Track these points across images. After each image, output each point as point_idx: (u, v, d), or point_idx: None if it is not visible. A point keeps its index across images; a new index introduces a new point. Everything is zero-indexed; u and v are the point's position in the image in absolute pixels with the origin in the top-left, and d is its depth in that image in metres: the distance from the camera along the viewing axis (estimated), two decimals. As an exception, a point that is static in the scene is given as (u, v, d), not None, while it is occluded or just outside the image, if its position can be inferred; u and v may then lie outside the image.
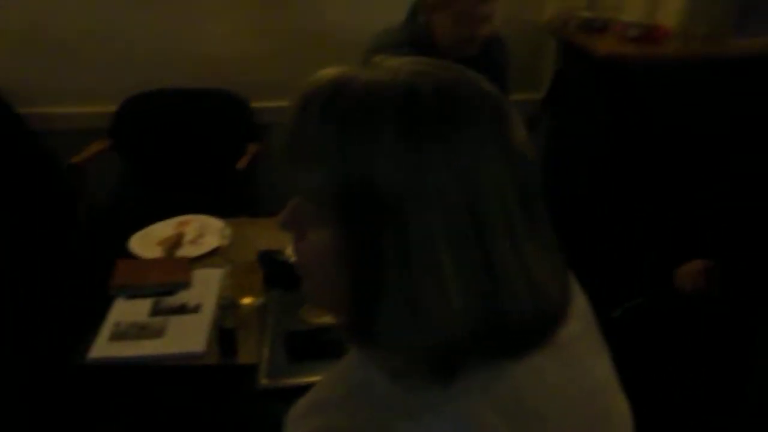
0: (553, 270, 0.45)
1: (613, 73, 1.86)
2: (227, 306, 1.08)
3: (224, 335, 1.08)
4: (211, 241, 1.42)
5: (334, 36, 2.19)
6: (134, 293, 1.25)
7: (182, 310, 1.21)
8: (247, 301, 1.21)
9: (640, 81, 1.85)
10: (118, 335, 1.14)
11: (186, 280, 1.28)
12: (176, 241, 1.44)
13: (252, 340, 1.11)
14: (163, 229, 1.49)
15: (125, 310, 1.21)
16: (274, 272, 1.22)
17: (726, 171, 1.61)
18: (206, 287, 1.27)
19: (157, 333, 1.14)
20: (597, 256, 1.81)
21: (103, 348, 1.11)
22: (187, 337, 1.13)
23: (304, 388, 0.53)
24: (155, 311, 1.21)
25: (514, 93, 1.66)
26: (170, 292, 1.25)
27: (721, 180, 1.62)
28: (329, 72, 0.45)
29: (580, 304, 0.52)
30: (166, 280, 1.28)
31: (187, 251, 1.40)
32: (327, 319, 1.09)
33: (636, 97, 1.87)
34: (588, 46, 1.89)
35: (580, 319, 0.51)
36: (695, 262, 1.45)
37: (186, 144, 2.22)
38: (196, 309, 1.21)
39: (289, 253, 1.20)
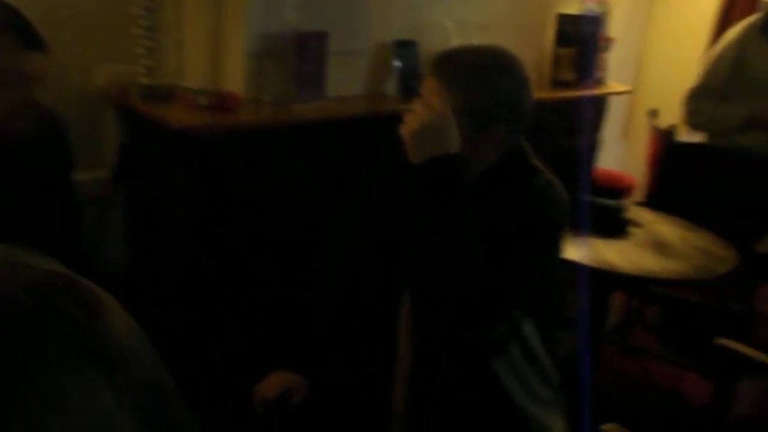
0: None
1: (191, 144, 1.71)
2: None
3: None
4: None
5: None
6: None
7: None
8: None
9: (220, 150, 1.75)
10: None
11: None
12: None
13: None
14: None
15: None
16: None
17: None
18: None
19: None
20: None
21: None
22: None
23: None
24: None
25: (77, 173, 1.39)
26: None
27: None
28: None
29: None
30: None
31: None
32: None
33: (219, 167, 1.76)
34: (157, 116, 1.70)
35: None
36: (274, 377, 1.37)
37: None
38: None
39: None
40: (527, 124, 1.27)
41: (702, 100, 2.61)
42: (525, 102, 1.23)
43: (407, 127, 1.13)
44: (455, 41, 2.35)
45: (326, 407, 1.39)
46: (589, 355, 2.25)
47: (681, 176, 2.67)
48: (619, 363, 2.61)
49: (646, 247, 2.03)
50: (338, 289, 1.42)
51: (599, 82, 3.02)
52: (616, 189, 3.48)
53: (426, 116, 1.12)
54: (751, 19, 2.58)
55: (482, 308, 1.11)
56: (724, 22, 3.43)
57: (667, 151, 2.82)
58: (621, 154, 4.21)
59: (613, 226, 2.11)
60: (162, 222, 1.88)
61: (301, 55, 1.91)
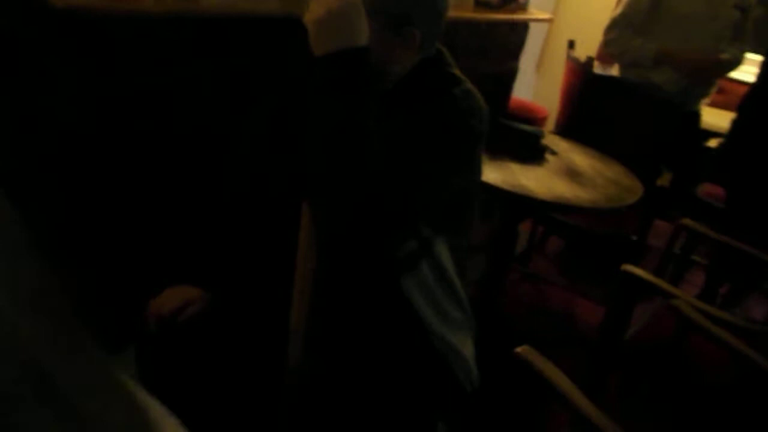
0: None
1: (76, 28, 1.49)
2: None
3: None
4: None
5: None
6: None
7: None
8: None
9: (112, 36, 1.54)
10: None
11: None
12: None
13: None
14: None
15: None
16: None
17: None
18: None
19: None
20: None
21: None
22: None
23: None
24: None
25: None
26: None
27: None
28: None
29: None
30: None
31: None
32: None
33: (107, 55, 1.56)
34: (40, -7, 1.46)
35: None
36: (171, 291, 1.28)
37: None
38: None
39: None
40: (442, 29, 1.18)
41: (619, 30, 2.61)
42: (441, 5, 1.16)
43: (311, 14, 1.01)
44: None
45: (223, 323, 1.31)
46: (497, 279, 2.28)
47: (595, 109, 2.70)
48: (520, 288, 2.68)
49: (561, 174, 2.03)
50: (239, 197, 1.31)
51: (522, 6, 2.96)
52: (530, 119, 3.50)
53: (334, 3, 1.00)
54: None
55: (383, 216, 1.04)
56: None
57: (584, 83, 2.83)
58: (534, 84, 4.23)
59: (531, 152, 2.10)
60: (36, 116, 1.66)
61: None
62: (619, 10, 2.63)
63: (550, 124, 3.22)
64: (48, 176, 1.65)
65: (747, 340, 1.45)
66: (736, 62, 2.59)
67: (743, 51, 2.59)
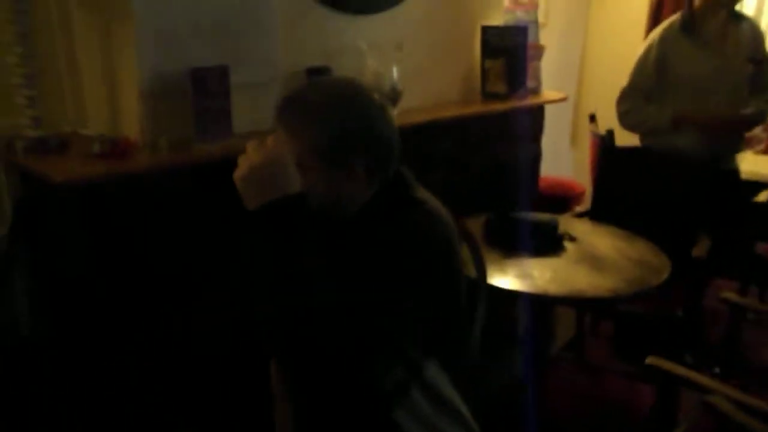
0: None
1: (80, 197, 1.60)
2: None
3: None
4: None
5: None
6: None
7: None
8: None
9: (113, 200, 1.64)
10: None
11: None
12: None
13: None
14: None
15: None
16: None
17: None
18: None
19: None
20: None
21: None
22: None
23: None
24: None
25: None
26: None
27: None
28: None
29: None
30: None
31: None
32: None
33: (112, 218, 1.65)
34: (38, 170, 1.59)
35: None
36: None
37: None
38: None
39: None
40: (391, 153, 1.18)
41: (631, 101, 2.56)
42: (380, 131, 1.15)
43: (237, 172, 1.04)
44: (371, 63, 2.27)
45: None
46: (534, 376, 2.17)
47: (618, 181, 2.62)
48: (573, 380, 2.53)
49: (581, 262, 1.95)
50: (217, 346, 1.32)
51: (533, 91, 2.97)
52: (564, 198, 3.43)
53: (256, 158, 1.03)
54: (672, 19, 2.54)
55: (352, 355, 1.02)
56: (655, 22, 3.41)
57: (603, 156, 2.77)
58: (570, 160, 4.17)
59: (548, 243, 2.04)
60: (55, 279, 1.77)
61: (200, 91, 1.80)
62: (627, 80, 2.59)
63: (588, 199, 3.12)
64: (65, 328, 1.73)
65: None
66: (762, 114, 2.47)
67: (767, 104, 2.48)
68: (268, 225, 1.04)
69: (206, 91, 1.82)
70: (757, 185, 2.69)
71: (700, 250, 2.29)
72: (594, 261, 1.96)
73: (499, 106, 2.73)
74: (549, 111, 3.04)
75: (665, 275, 1.86)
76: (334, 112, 1.11)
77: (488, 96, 2.78)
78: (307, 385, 1.15)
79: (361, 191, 1.17)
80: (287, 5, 2.07)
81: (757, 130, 2.93)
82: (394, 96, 2.26)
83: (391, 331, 1.12)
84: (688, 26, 2.45)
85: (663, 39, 2.48)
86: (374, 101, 1.15)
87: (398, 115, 2.27)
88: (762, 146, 3.09)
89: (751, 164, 2.76)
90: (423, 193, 1.26)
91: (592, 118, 3.20)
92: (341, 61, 2.22)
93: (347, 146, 1.12)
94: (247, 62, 1.97)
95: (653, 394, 1.67)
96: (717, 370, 1.97)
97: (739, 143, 2.59)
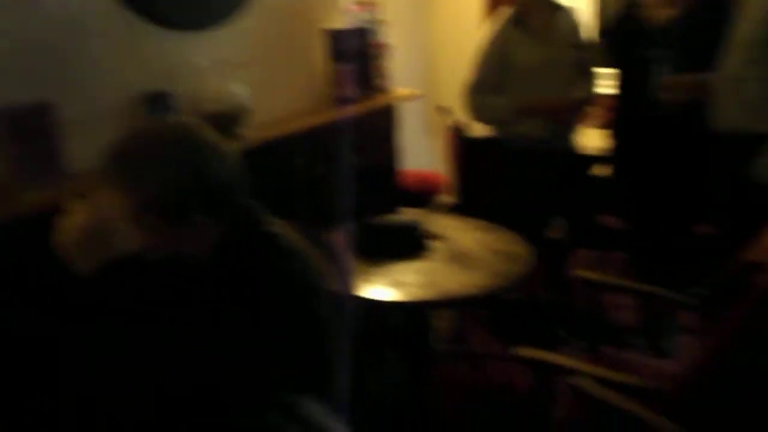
0: None
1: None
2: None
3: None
4: None
5: None
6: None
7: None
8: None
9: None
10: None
11: None
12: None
13: None
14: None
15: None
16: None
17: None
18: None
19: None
20: None
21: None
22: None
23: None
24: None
25: None
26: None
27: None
28: None
29: None
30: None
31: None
32: None
33: None
34: None
35: None
36: None
37: None
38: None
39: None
40: (232, 194, 1.10)
41: (477, 94, 2.64)
42: (216, 175, 1.06)
43: (63, 237, 0.93)
44: (213, 81, 2.17)
45: None
46: (418, 375, 2.18)
47: (476, 171, 2.69)
48: (457, 371, 2.59)
49: (447, 261, 1.98)
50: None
51: (384, 90, 2.98)
52: (429, 191, 3.49)
53: (83, 218, 0.93)
54: (504, 12, 2.64)
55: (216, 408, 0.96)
56: (492, 15, 3.54)
57: (459, 148, 2.84)
58: (432, 153, 4.26)
59: (411, 246, 2.05)
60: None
61: (17, 135, 1.63)
62: (471, 75, 2.66)
63: (454, 189, 3.18)
64: None
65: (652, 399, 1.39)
66: (589, 96, 2.63)
67: (593, 84, 2.64)
68: (108, 290, 0.95)
69: (24, 133, 1.65)
70: (591, 158, 2.86)
71: (555, 230, 2.41)
72: (462, 258, 1.99)
73: (351, 110, 2.71)
74: (405, 106, 3.08)
75: (531, 264, 1.93)
76: (164, 165, 1.02)
77: (340, 101, 2.76)
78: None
79: (204, 239, 1.10)
80: (115, 28, 1.93)
81: (589, 109, 3.12)
82: (242, 113, 2.17)
83: (258, 378, 1.06)
84: (518, 19, 2.56)
85: (502, 33, 2.57)
86: (207, 143, 1.06)
87: (247, 131, 2.19)
88: (597, 121, 3.30)
89: (588, 139, 2.93)
90: (275, 225, 1.21)
91: (443, 110, 3.28)
92: (182, 81, 2.10)
93: (182, 198, 1.03)
94: (77, 94, 1.81)
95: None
96: (585, 342, 2.07)
97: (574, 125, 2.75)
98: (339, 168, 2.67)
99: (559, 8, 2.58)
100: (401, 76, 3.36)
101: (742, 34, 2.05)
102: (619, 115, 2.55)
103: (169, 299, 1.10)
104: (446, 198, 3.33)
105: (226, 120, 2.06)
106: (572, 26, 2.58)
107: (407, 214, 2.26)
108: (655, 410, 1.32)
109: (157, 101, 2.00)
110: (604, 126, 2.66)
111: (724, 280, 1.75)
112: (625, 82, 2.46)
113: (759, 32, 1.96)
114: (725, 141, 2.15)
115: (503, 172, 2.60)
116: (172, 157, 1.02)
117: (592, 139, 2.92)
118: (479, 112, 2.65)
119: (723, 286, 1.75)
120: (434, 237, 2.11)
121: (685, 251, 2.54)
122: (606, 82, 2.67)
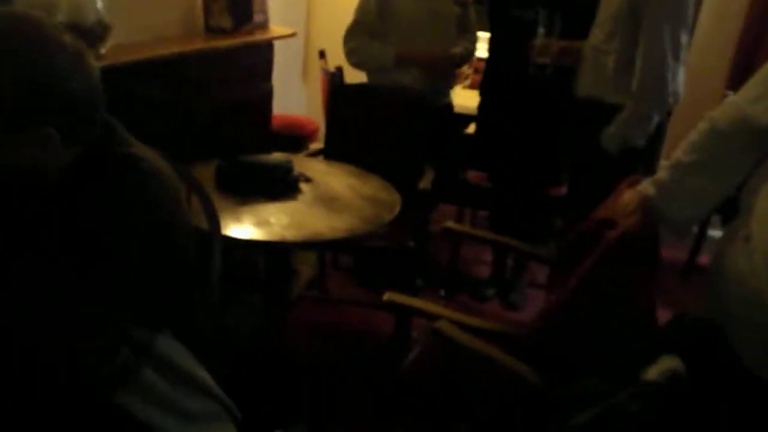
0: None
1: None
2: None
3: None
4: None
5: None
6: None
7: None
8: None
9: None
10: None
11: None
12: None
13: None
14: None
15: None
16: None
17: None
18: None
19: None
20: None
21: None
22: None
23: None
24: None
25: None
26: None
27: None
28: None
29: None
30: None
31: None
32: None
33: None
34: None
35: None
36: None
37: None
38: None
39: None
40: (93, 109, 0.98)
41: (357, 39, 2.59)
42: (75, 84, 0.93)
43: None
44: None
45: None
46: (278, 317, 2.16)
47: (349, 118, 2.66)
48: (316, 315, 2.59)
49: (317, 204, 1.95)
50: None
51: (261, 26, 2.84)
52: (298, 136, 3.42)
53: None
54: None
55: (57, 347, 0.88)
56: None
57: (333, 94, 2.78)
58: (303, 97, 4.16)
59: (283, 186, 1.99)
60: None
61: None
62: (352, 19, 2.61)
63: (323, 136, 3.14)
64: None
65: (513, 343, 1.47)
66: (468, 53, 2.68)
67: (473, 42, 2.69)
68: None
69: None
70: (466, 118, 2.94)
71: (425, 182, 2.45)
72: (330, 202, 1.97)
73: (224, 42, 2.56)
74: (279, 47, 2.95)
75: (396, 210, 1.95)
76: (8, 66, 0.87)
77: (212, 31, 2.60)
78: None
79: (57, 158, 0.97)
80: None
81: (465, 67, 3.19)
82: (100, 31, 1.97)
83: (108, 316, 0.98)
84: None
85: None
86: (65, 45, 0.92)
87: (107, 53, 2.00)
88: (468, 82, 3.39)
89: (462, 99, 3.00)
90: (138, 148, 1.10)
91: (322, 54, 3.20)
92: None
93: (31, 108, 0.89)
94: None
95: (391, 321, 1.76)
96: (442, 292, 2.15)
97: (451, 80, 2.80)
98: (207, 102, 2.53)
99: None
100: (281, 15, 3.23)
101: (608, 7, 2.16)
102: (489, 73, 2.62)
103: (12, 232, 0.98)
104: (316, 145, 3.28)
105: (83, 34, 1.85)
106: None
107: (278, 157, 2.19)
108: (509, 353, 1.40)
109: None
110: (479, 87, 2.73)
111: (574, 237, 1.87)
112: (498, 42, 2.53)
113: (623, 7, 2.09)
114: (582, 107, 2.29)
115: (378, 120, 2.59)
116: (23, 57, 0.87)
117: (469, 99, 2.99)
118: (357, 56, 2.60)
119: (573, 242, 1.87)
120: (305, 179, 2.07)
121: (539, 210, 2.70)
122: (483, 45, 2.73)
